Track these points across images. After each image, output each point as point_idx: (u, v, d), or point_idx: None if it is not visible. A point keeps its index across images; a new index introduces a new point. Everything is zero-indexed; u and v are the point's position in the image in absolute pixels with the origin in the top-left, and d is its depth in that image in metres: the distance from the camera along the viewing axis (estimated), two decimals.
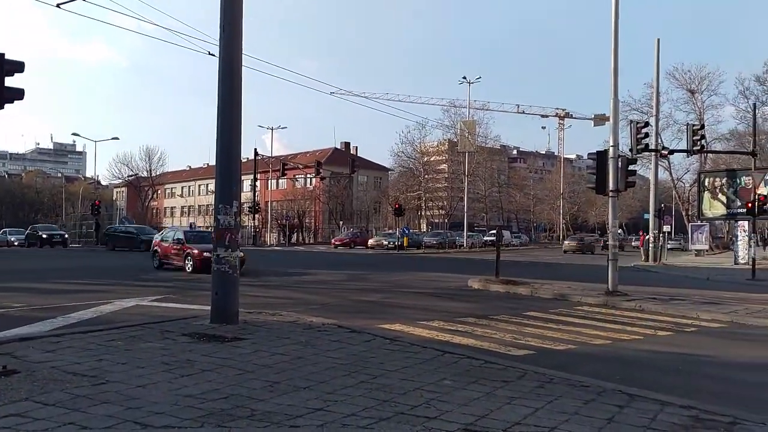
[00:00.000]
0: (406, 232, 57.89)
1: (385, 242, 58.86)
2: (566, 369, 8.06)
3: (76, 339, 8.92)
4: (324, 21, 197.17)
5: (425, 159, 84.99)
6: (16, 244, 52.94)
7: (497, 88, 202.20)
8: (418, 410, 6.02)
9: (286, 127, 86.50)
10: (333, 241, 65.43)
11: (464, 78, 65.26)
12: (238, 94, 11.44)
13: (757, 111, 38.55)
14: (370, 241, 61.26)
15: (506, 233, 70.45)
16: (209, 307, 10.98)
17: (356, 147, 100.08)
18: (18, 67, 7.93)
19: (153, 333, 9.58)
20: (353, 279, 23.04)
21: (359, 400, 6.28)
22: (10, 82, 7.97)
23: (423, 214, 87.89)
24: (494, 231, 68.09)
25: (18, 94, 8.00)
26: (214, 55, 12.97)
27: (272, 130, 75.63)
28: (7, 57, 7.86)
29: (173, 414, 5.63)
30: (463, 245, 61.81)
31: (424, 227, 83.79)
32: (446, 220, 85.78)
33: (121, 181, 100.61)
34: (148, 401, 5.95)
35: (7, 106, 8.11)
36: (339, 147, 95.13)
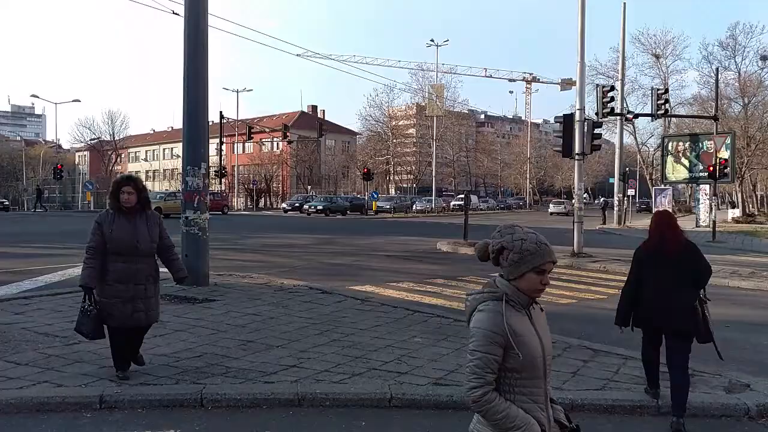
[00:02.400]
0: (375, 197, 57.89)
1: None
2: None
3: (45, 301, 8.88)
4: None
5: (393, 123, 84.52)
6: None
7: (465, 51, 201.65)
8: (389, 366, 6.16)
9: (251, 90, 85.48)
10: None
11: (432, 41, 64.70)
12: (205, 53, 11.29)
13: (719, 76, 39.05)
14: None
15: (473, 197, 70.89)
16: None
17: (323, 110, 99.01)
18: None
19: None
20: (323, 243, 23.09)
21: (332, 357, 6.40)
22: None
23: (391, 178, 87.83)
24: (461, 195, 68.60)
25: None
26: (178, 14, 12.70)
27: (238, 92, 74.19)
28: None
29: (148, 372, 5.69)
30: (423, 210, 61.07)
31: (392, 192, 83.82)
32: (414, 185, 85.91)
33: (83, 144, 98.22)
34: None
35: None
36: (306, 110, 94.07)
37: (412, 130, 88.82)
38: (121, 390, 5.17)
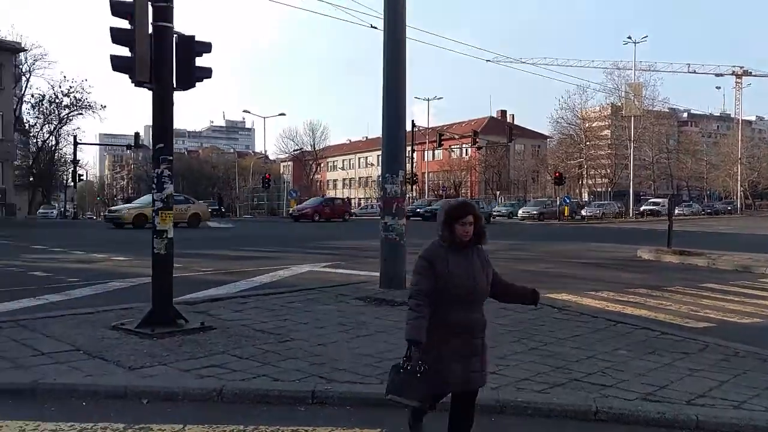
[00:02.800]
0: (567, 201, 56.10)
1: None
2: (753, 343, 7.56)
3: (259, 300, 9.64)
4: None
5: (586, 125, 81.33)
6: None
7: (665, 46, 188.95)
8: (593, 378, 5.94)
9: (442, 98, 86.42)
10: (290, 212, 50.54)
11: (629, 38, 61.76)
12: (403, 67, 11.63)
13: None
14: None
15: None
16: (377, 273, 11.41)
17: (513, 115, 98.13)
18: (206, 48, 8.52)
19: (328, 296, 10.12)
20: (513, 248, 22.78)
21: (531, 366, 6.30)
22: (198, 62, 8.55)
23: (584, 182, 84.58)
24: (653, 200, 64.40)
25: (206, 72, 8.59)
26: (376, 28, 13.28)
27: (428, 101, 75.83)
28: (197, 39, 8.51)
29: (353, 371, 5.96)
30: (592, 216, 56.99)
31: (585, 196, 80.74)
32: (609, 189, 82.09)
33: (287, 155, 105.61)
34: (330, 358, 6.34)
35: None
36: (495, 116, 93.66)
37: (606, 132, 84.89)
38: (331, 387, 5.46)
